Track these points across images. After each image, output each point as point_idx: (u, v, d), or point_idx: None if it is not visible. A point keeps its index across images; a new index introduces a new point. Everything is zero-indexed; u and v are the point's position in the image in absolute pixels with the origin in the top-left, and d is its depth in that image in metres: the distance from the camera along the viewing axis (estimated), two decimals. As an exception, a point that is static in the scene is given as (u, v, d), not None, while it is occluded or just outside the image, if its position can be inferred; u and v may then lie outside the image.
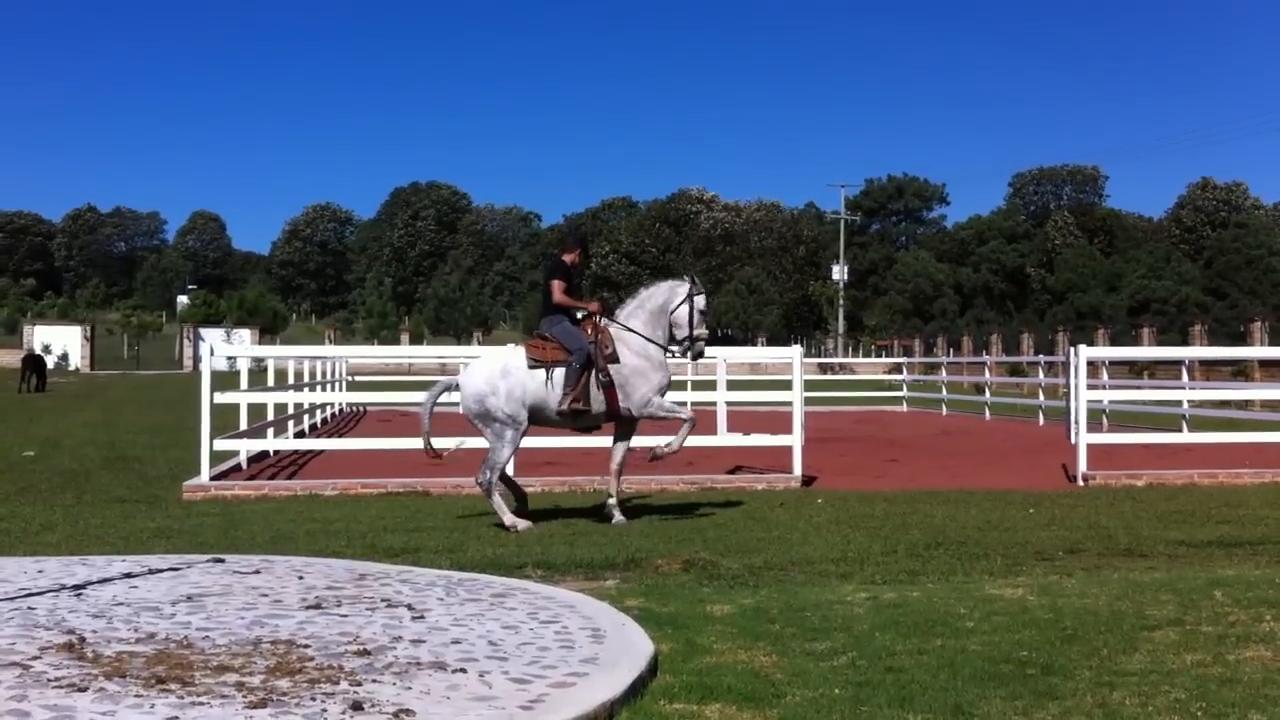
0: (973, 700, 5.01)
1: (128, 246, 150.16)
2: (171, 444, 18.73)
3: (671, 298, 10.83)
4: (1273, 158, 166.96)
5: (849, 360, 64.42)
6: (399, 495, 12.50)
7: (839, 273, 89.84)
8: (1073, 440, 13.97)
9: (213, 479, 13.11)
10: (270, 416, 17.65)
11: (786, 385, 14.74)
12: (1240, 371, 39.27)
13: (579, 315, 10.75)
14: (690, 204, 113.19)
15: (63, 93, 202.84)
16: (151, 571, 7.64)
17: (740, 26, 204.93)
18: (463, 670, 5.20)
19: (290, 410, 19.87)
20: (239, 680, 4.98)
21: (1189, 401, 21.56)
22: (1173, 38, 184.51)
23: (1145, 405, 24.19)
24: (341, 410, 28.12)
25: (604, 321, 10.65)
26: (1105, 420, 22.19)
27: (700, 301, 10.88)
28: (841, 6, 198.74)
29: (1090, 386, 15.32)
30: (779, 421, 16.46)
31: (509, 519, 10.09)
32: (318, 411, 24.29)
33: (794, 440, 13.71)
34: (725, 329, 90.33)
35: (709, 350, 11.59)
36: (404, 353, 47.06)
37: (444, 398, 11.01)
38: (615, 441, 10.82)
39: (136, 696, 4.75)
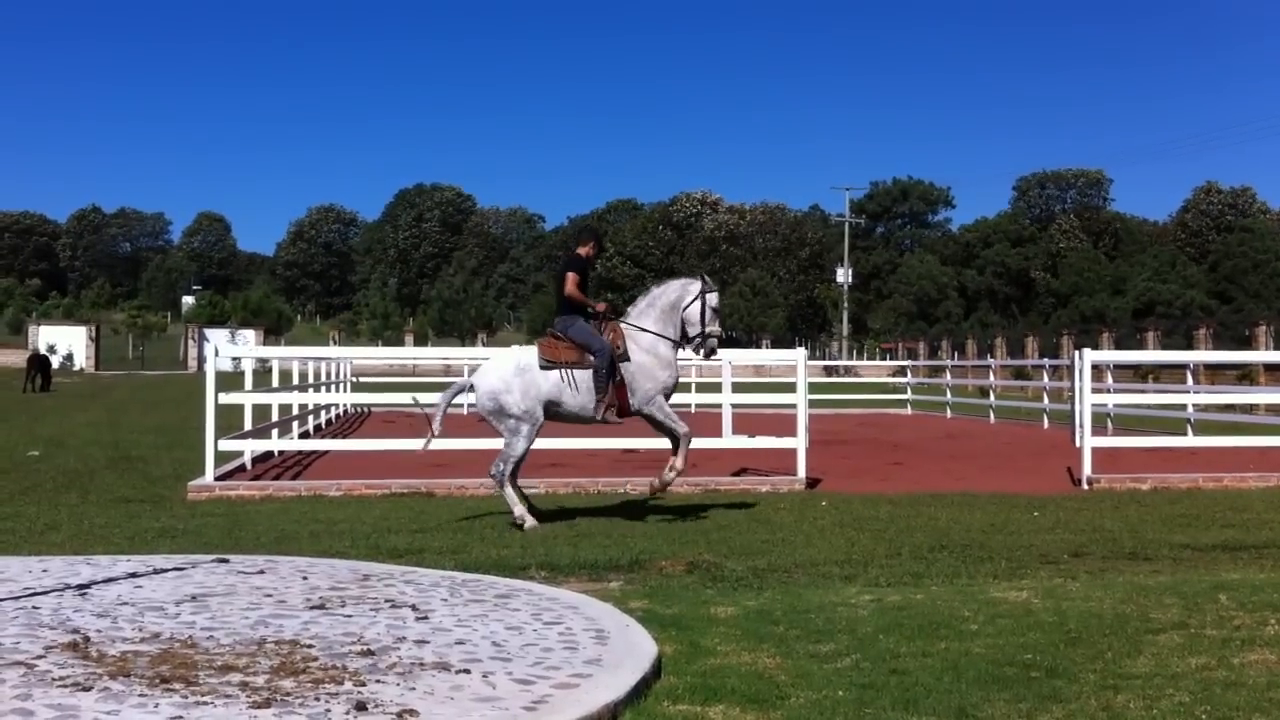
0: (977, 703, 5.01)
1: (133, 247, 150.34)
2: (176, 444, 18.75)
3: (683, 295, 10.85)
4: (1279, 162, 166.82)
5: (854, 363, 64.41)
6: (403, 496, 12.51)
7: (843, 275, 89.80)
8: (1077, 444, 13.95)
9: (217, 479, 13.12)
10: (275, 417, 17.67)
11: (791, 388, 14.73)
12: (1245, 375, 39.24)
13: (591, 314, 10.75)
14: (694, 206, 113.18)
15: (68, 94, 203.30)
16: (156, 571, 7.65)
17: (746, 29, 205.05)
18: (466, 671, 5.20)
19: (295, 411, 19.89)
20: (243, 680, 4.98)
21: (1194, 405, 21.54)
22: (1179, 41, 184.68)
23: (1150, 409, 24.13)
24: (346, 411, 28.14)
25: (616, 321, 10.69)
26: (1110, 424, 22.17)
27: (713, 299, 10.91)
28: (847, 9, 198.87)
29: (1095, 390, 15.29)
30: (783, 424, 16.44)
31: (519, 510, 10.13)
32: (322, 412, 24.31)
33: (798, 443, 13.70)
34: (730, 331, 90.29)
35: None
36: (408, 354, 47.10)
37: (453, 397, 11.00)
38: (671, 450, 10.86)
39: (141, 696, 4.75)
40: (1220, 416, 21.56)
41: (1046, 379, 30.45)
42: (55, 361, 59.33)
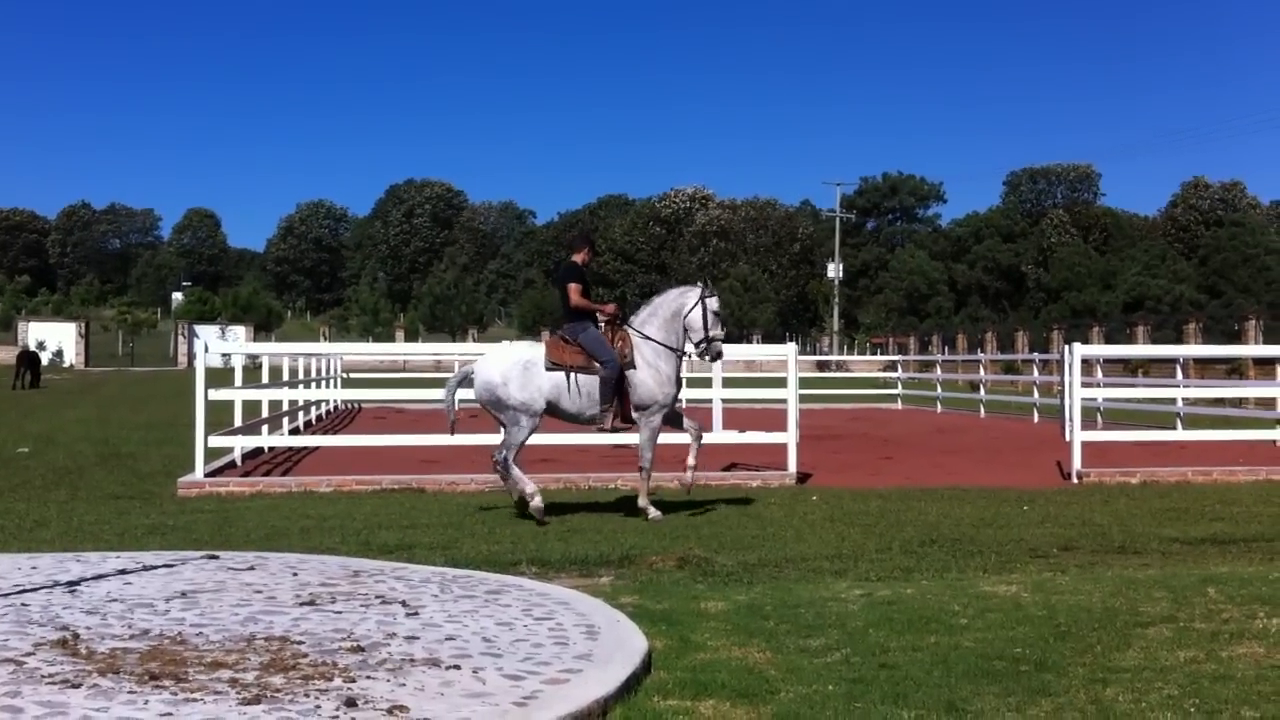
0: (966, 697, 5.02)
1: (122, 243, 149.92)
2: (166, 440, 18.71)
3: (683, 303, 10.89)
4: (1268, 156, 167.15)
5: (845, 358, 64.49)
6: (393, 492, 12.50)
7: (834, 270, 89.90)
8: (1067, 438, 13.98)
9: (207, 475, 13.10)
10: (265, 413, 17.64)
11: (781, 383, 14.74)
12: (1234, 369, 39.37)
13: (602, 321, 10.79)
14: (685, 201, 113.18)
15: (58, 89, 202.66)
16: (146, 568, 7.63)
17: (736, 24, 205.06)
18: (457, 667, 5.20)
19: (285, 407, 19.85)
20: (233, 677, 4.98)
21: (1183, 399, 21.60)
22: (1170, 36, 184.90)
23: (1140, 403, 24.22)
24: (336, 407, 28.11)
25: (624, 329, 10.74)
26: (1100, 418, 22.22)
27: (713, 303, 10.97)
28: (837, 4, 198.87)
29: (1085, 384, 15.34)
30: (774, 419, 16.46)
31: (530, 487, 10.22)
32: (312, 408, 24.27)
33: (789, 437, 13.72)
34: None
35: None
36: (398, 350, 47.05)
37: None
38: (690, 436, 10.96)
39: (130, 693, 4.74)
40: (1209, 410, 21.63)
41: (1036, 373, 30.47)
42: (45, 358, 59.16)
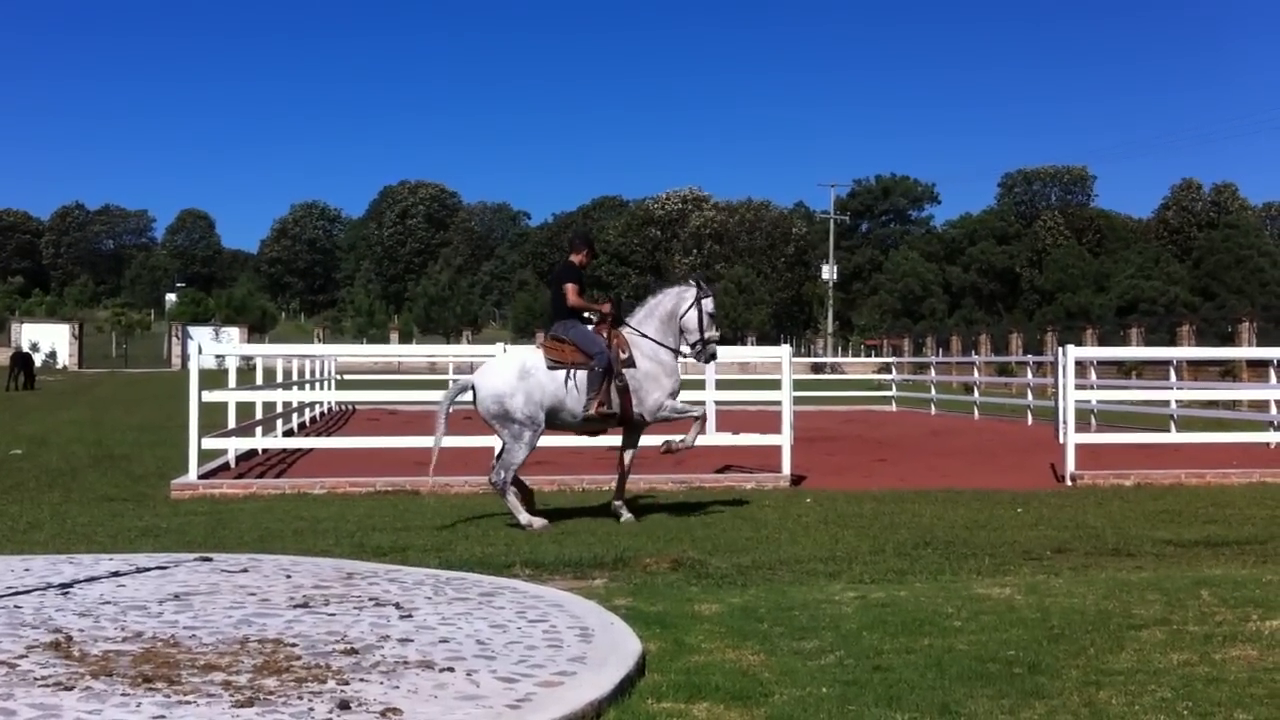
0: (960, 699, 5.02)
1: (116, 244, 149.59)
2: (159, 442, 18.68)
3: (679, 303, 10.87)
4: (1261, 159, 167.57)
5: (840, 360, 64.54)
6: (387, 494, 12.49)
7: (829, 272, 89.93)
8: (1061, 440, 14.00)
9: (201, 477, 13.09)
10: (259, 415, 17.62)
11: (776, 385, 14.74)
12: (1228, 372, 39.40)
13: (594, 319, 10.77)
14: (679, 203, 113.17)
15: (51, 90, 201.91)
16: (139, 570, 7.62)
17: (730, 26, 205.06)
18: (450, 669, 5.20)
19: (279, 409, 19.84)
20: (226, 679, 4.97)
21: (1177, 401, 21.64)
22: (1163, 38, 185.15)
23: (1133, 405, 24.24)
24: (330, 409, 28.08)
25: (620, 330, 10.71)
26: (1093, 420, 22.25)
27: (708, 304, 10.95)
28: (831, 6, 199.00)
29: (1078, 386, 15.35)
30: (768, 421, 16.46)
31: (525, 518, 10.11)
32: (306, 410, 24.25)
33: (783, 440, 13.73)
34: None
35: None
36: (393, 351, 47.00)
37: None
38: (624, 447, 10.85)
39: (123, 695, 4.74)
40: (1203, 412, 21.67)
41: (1030, 375, 30.55)
42: (38, 359, 59.05)
